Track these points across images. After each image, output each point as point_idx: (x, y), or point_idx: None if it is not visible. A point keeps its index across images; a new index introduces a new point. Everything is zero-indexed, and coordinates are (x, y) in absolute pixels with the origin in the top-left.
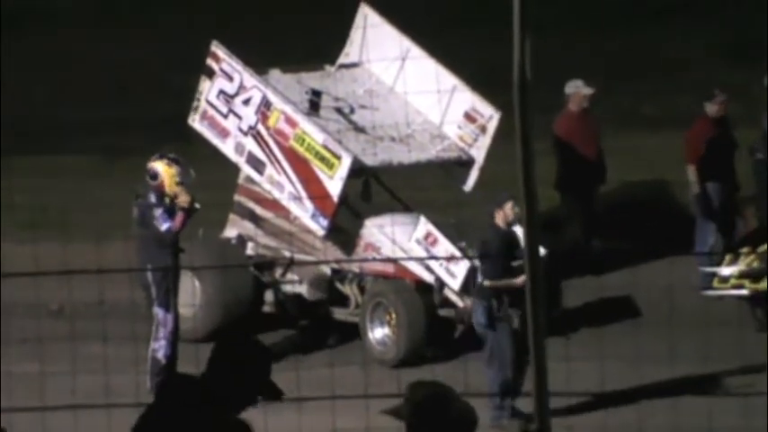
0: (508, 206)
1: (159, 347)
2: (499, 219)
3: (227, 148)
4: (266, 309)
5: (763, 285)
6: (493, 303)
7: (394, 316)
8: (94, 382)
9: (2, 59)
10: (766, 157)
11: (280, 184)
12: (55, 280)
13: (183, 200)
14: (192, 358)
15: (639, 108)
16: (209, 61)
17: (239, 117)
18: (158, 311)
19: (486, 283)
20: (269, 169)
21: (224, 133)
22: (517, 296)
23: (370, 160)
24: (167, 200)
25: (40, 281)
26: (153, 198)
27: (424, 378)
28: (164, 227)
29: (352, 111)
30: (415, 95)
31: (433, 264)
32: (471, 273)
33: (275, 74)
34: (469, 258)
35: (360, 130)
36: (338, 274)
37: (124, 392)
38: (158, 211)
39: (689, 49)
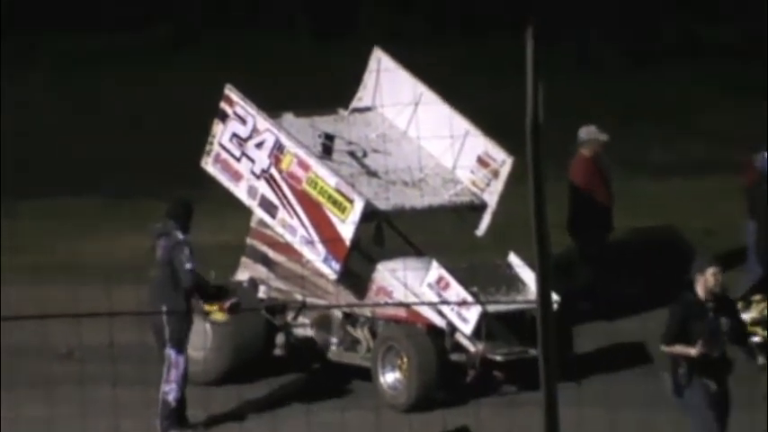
0: (709, 272)
1: (170, 390)
2: (699, 286)
3: (239, 191)
4: (277, 352)
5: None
6: (679, 371)
7: (405, 360)
8: (104, 426)
9: (3, 99)
10: None
11: (292, 228)
12: (64, 323)
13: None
14: (201, 402)
15: (646, 154)
16: (223, 104)
17: (252, 160)
18: (171, 353)
19: (663, 347)
20: (281, 212)
21: (237, 176)
22: (707, 366)
23: (382, 204)
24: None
25: (49, 324)
26: (180, 236)
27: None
28: (187, 266)
29: (365, 155)
30: (428, 140)
31: (444, 308)
32: (483, 318)
33: (288, 117)
34: (481, 303)
35: (372, 174)
36: (350, 318)
37: None
38: (186, 249)
39: (699, 94)
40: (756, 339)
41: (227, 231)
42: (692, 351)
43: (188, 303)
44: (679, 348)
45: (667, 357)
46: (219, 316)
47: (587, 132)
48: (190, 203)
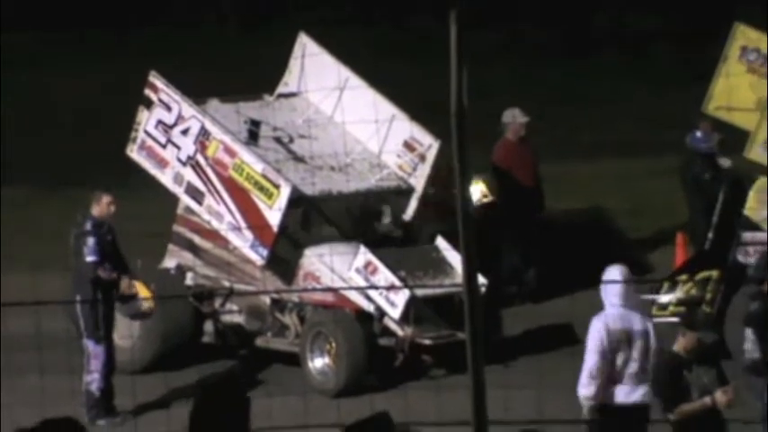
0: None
1: (92, 380)
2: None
3: (165, 178)
4: (206, 339)
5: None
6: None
7: (334, 345)
8: (31, 415)
9: None
10: (710, 177)
11: (219, 214)
12: None
13: (148, 307)
14: (129, 390)
15: (577, 136)
16: (147, 91)
17: (178, 147)
18: (88, 344)
19: (756, 354)
20: (208, 199)
21: (163, 163)
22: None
23: (309, 190)
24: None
25: None
26: (88, 226)
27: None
28: (89, 258)
29: (291, 140)
30: (354, 125)
31: (372, 293)
32: (411, 302)
33: (214, 103)
34: (409, 287)
35: (299, 159)
36: (278, 304)
37: None
38: (91, 240)
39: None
40: (674, 320)
41: (154, 219)
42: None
43: (103, 293)
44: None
45: (749, 370)
46: (147, 295)
47: (509, 115)
48: (102, 192)
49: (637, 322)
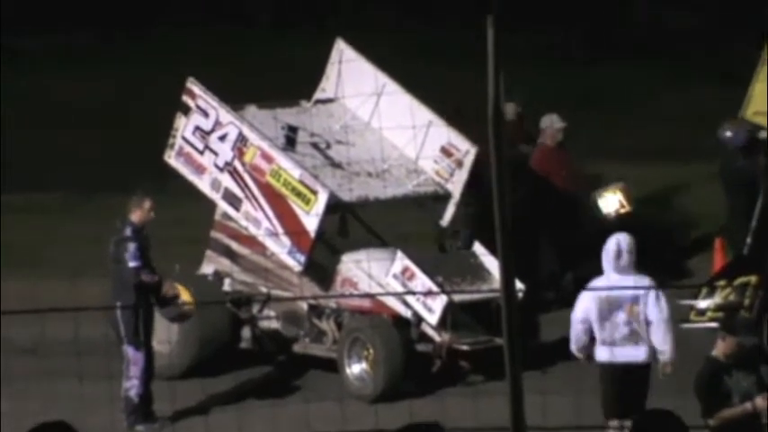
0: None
1: (131, 386)
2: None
3: (203, 184)
4: (243, 345)
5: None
6: None
7: (371, 351)
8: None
9: None
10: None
11: (256, 220)
12: (29, 317)
13: (189, 308)
14: (167, 396)
15: (610, 140)
16: (185, 98)
17: (215, 153)
18: (128, 350)
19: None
20: (245, 205)
21: (200, 169)
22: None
23: (346, 195)
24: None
25: (12, 319)
26: (128, 232)
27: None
28: (131, 264)
29: (329, 146)
30: (391, 130)
31: (410, 299)
32: (448, 307)
33: (251, 110)
34: (446, 293)
35: (336, 165)
36: (315, 310)
37: (100, 431)
38: (132, 246)
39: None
40: (713, 325)
41: (192, 225)
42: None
43: (143, 299)
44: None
45: None
46: (189, 298)
47: (547, 121)
48: (143, 197)
49: (627, 288)
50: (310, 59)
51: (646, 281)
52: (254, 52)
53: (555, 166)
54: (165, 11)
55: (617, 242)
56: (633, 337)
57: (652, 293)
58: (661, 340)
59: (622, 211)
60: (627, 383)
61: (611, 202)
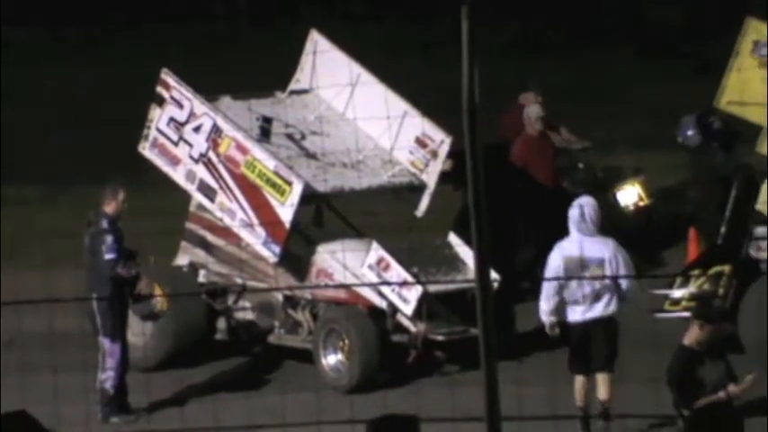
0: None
1: (107, 378)
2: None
3: (177, 175)
4: (218, 336)
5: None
6: None
7: (347, 342)
8: (45, 413)
9: None
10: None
11: (231, 211)
12: (4, 310)
13: (161, 308)
14: (143, 387)
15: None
16: (159, 89)
17: (190, 144)
18: (104, 341)
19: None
20: (220, 196)
21: (175, 161)
22: None
23: (321, 186)
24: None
25: None
26: (104, 224)
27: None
28: (107, 256)
29: (303, 137)
30: (366, 121)
31: (385, 289)
32: (423, 298)
33: (225, 101)
34: (422, 283)
35: (311, 156)
36: (291, 301)
37: (75, 422)
38: (109, 238)
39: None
40: (687, 315)
41: (166, 216)
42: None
43: (119, 292)
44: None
45: None
46: (160, 302)
47: (530, 110)
48: (116, 189)
49: (592, 250)
50: (286, 52)
51: (610, 243)
52: (232, 45)
53: (535, 157)
54: (144, 5)
55: (580, 206)
56: (598, 297)
57: (618, 256)
58: (628, 296)
59: (641, 204)
60: (592, 340)
61: (630, 194)
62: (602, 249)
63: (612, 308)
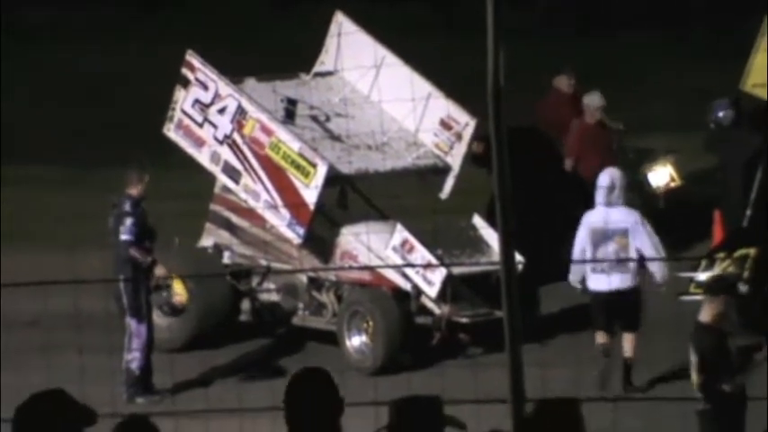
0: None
1: (133, 359)
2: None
3: (202, 157)
4: (243, 318)
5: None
6: None
7: (371, 324)
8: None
9: None
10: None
11: (256, 193)
12: (29, 291)
13: (180, 302)
14: (167, 368)
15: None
16: (184, 70)
17: (215, 126)
18: (131, 322)
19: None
20: (245, 178)
21: (199, 142)
22: None
23: (345, 168)
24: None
25: (14, 292)
26: (127, 206)
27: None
28: (123, 237)
29: (328, 119)
30: (391, 103)
31: (409, 271)
32: (448, 280)
33: (250, 82)
34: (446, 266)
35: (335, 138)
36: (315, 283)
37: (101, 403)
38: (129, 220)
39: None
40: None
41: (191, 198)
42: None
43: (141, 273)
44: None
45: None
46: (182, 292)
47: (588, 98)
48: (140, 171)
49: (617, 221)
50: (310, 36)
51: (634, 214)
52: (256, 27)
53: (591, 145)
54: None
55: (611, 176)
56: (621, 266)
57: (641, 227)
58: (655, 266)
59: (672, 184)
60: (615, 308)
61: (661, 175)
62: (626, 219)
63: (636, 280)
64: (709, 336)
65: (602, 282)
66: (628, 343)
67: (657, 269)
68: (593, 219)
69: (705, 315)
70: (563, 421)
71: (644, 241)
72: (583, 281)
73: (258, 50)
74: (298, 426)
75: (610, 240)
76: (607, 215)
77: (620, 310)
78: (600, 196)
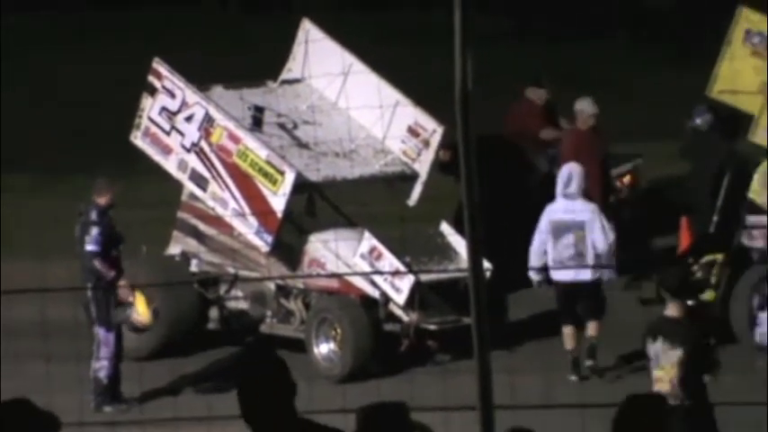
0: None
1: (101, 367)
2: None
3: (169, 164)
4: (211, 326)
5: (706, 296)
6: None
7: (339, 331)
8: (37, 402)
9: None
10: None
11: (223, 201)
12: None
13: (138, 321)
14: (136, 377)
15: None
16: (151, 78)
17: (182, 134)
18: (99, 331)
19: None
20: (212, 186)
21: (167, 150)
22: None
23: (313, 176)
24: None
25: None
26: (93, 216)
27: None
28: (88, 247)
29: (296, 126)
30: (358, 110)
31: (377, 278)
32: (416, 287)
33: (217, 90)
34: (414, 273)
35: (303, 145)
36: (283, 290)
37: (68, 412)
38: (94, 230)
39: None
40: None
41: (158, 205)
42: None
43: (108, 285)
44: None
45: None
46: (143, 312)
47: (580, 105)
48: (107, 180)
49: (576, 213)
50: (279, 42)
51: (591, 207)
52: (223, 34)
53: (584, 152)
54: None
55: (569, 169)
56: (579, 259)
57: (597, 221)
58: (606, 263)
59: (632, 181)
60: (576, 298)
61: (623, 170)
62: (583, 212)
63: (591, 275)
64: (689, 330)
65: (563, 273)
66: (592, 327)
67: (606, 269)
68: (553, 211)
69: (673, 311)
70: (651, 415)
71: (597, 236)
72: (542, 272)
73: (226, 57)
74: (252, 412)
75: (567, 232)
76: (566, 208)
77: (582, 299)
78: (559, 188)
